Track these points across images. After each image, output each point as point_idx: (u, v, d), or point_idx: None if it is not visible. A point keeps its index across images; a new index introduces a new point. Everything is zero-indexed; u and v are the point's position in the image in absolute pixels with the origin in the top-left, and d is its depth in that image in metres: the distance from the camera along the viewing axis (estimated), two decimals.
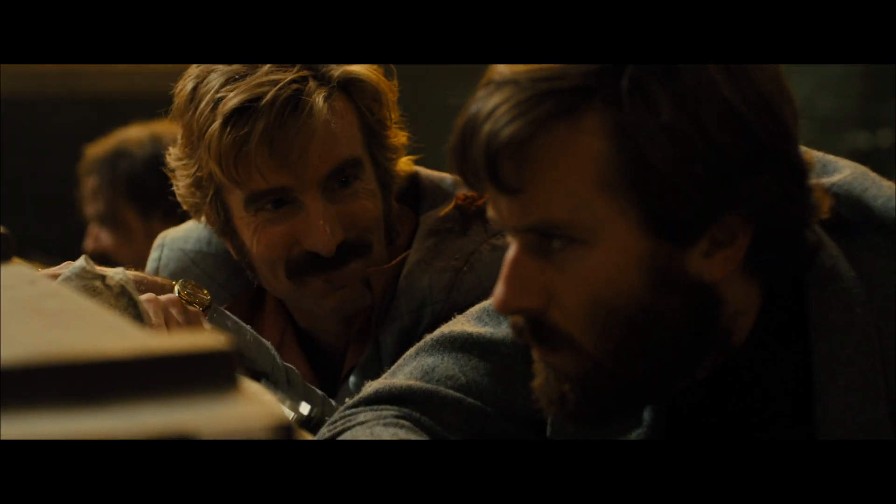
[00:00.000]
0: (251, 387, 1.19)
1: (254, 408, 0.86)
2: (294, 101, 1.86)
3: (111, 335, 0.99)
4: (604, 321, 1.41)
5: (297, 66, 1.89)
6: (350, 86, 1.93)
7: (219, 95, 1.88)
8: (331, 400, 1.92)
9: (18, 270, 1.23)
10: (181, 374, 0.88)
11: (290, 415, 1.74)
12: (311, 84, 1.88)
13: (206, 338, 0.90)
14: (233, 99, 1.86)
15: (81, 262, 1.66)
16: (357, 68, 1.93)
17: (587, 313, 1.42)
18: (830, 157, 1.57)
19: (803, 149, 1.48)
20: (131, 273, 1.79)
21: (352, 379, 2.00)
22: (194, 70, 1.94)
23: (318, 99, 1.87)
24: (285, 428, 0.85)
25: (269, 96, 1.85)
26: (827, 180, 1.51)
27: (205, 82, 1.91)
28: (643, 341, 1.42)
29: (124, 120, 4.12)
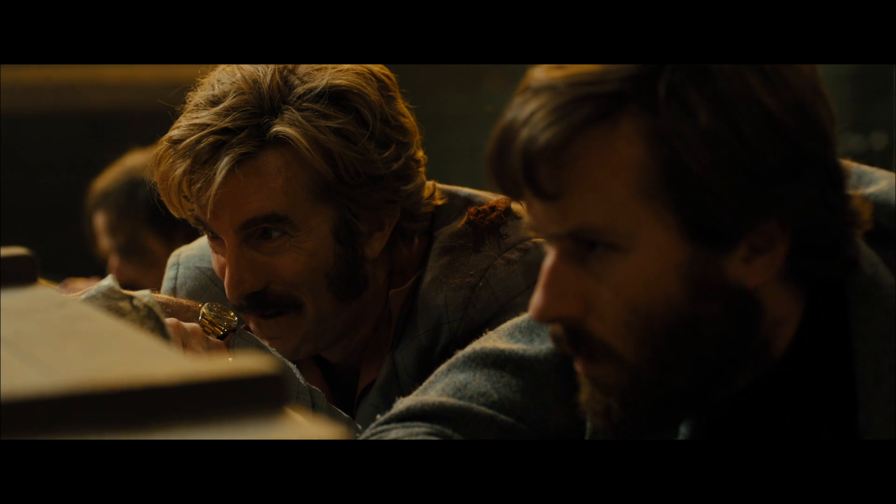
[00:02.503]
0: (296, 411, 1.17)
1: (302, 431, 0.85)
2: (211, 151, 1.88)
3: (151, 360, 0.98)
4: (642, 329, 1.40)
5: (244, 112, 1.88)
6: (286, 145, 1.89)
7: (179, 119, 1.92)
8: (356, 423, 1.91)
9: (46, 293, 1.21)
10: (229, 398, 0.87)
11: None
12: (240, 136, 1.88)
13: (255, 362, 0.89)
14: (176, 129, 1.91)
15: (109, 281, 1.64)
16: (294, 129, 1.87)
17: (625, 321, 1.40)
18: (866, 168, 1.56)
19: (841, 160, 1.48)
20: (157, 296, 1.77)
21: (370, 399, 1.98)
22: (205, 78, 1.95)
23: (229, 155, 1.87)
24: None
25: (190, 140, 1.88)
26: (864, 191, 1.51)
27: (192, 97, 1.94)
28: (682, 349, 1.41)
29: (117, 135, 4.11)
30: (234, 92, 1.88)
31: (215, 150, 1.88)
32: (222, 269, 1.95)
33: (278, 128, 1.88)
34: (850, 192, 1.45)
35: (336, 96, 1.90)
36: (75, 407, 0.86)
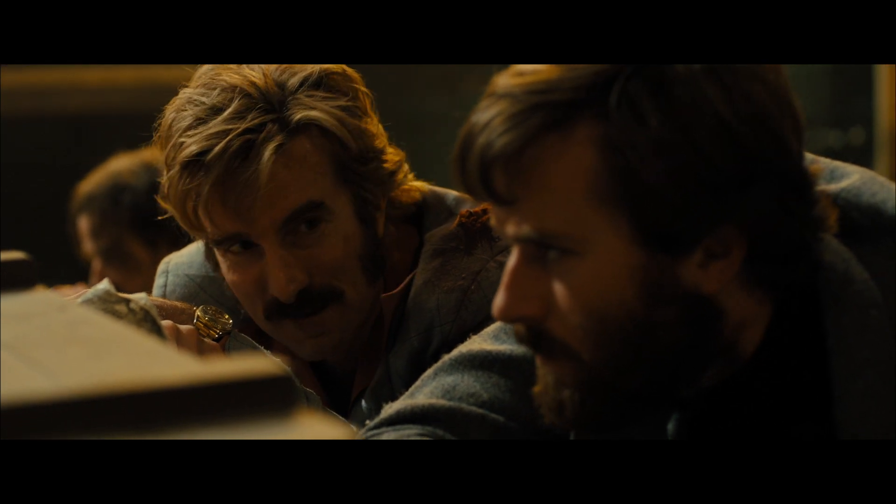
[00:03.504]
0: (306, 412, 1.18)
1: (314, 432, 0.86)
2: (244, 152, 1.86)
3: (157, 363, 0.98)
4: (598, 332, 1.43)
5: (258, 110, 1.88)
6: (311, 128, 1.90)
7: (181, 140, 1.89)
8: (351, 425, 1.91)
9: (45, 297, 1.22)
10: (239, 400, 0.87)
11: None
12: (267, 131, 1.87)
13: (264, 363, 0.89)
14: (188, 148, 1.88)
15: (105, 284, 1.64)
16: (319, 112, 1.90)
17: (582, 324, 1.43)
18: (838, 164, 1.57)
19: (811, 157, 1.49)
20: (152, 299, 1.77)
21: (363, 402, 1.98)
22: (176, 101, 1.94)
23: (268, 149, 1.86)
24: None
25: (218, 148, 1.86)
26: (836, 186, 1.52)
27: (177, 120, 1.91)
28: (638, 352, 1.43)
29: (99, 138, 4.09)
30: (237, 96, 1.88)
31: (246, 151, 1.86)
32: (253, 280, 1.93)
33: (301, 113, 1.89)
34: (820, 190, 1.46)
35: (329, 81, 1.92)
36: (85, 411, 0.86)
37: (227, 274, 1.97)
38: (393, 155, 1.99)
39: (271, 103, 1.89)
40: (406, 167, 2.03)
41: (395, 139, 2.02)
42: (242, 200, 1.87)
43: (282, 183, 1.88)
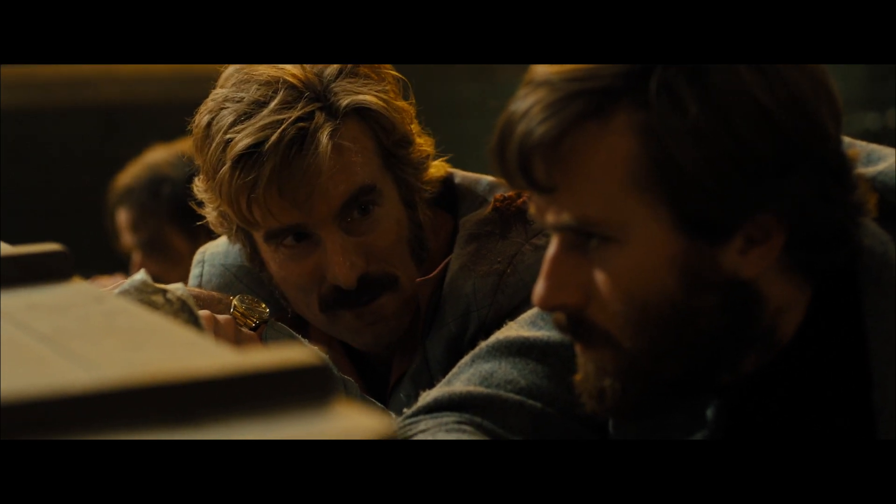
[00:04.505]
0: (342, 401, 1.18)
1: (353, 422, 0.85)
2: (299, 141, 1.86)
3: (194, 353, 0.98)
4: (639, 319, 1.43)
5: (305, 99, 1.87)
6: (359, 113, 1.90)
7: (228, 136, 1.88)
8: (389, 412, 1.91)
9: (82, 288, 1.22)
10: (277, 390, 0.87)
11: None
12: (317, 119, 1.87)
13: (300, 352, 0.89)
14: (241, 142, 1.86)
15: (141, 275, 1.65)
16: (366, 96, 1.90)
17: (623, 311, 1.43)
18: (875, 146, 1.57)
19: (849, 141, 1.48)
20: (190, 289, 1.77)
21: (402, 389, 1.98)
22: (209, 103, 1.93)
23: (324, 136, 1.86)
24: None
25: (273, 138, 1.84)
26: (873, 169, 1.51)
27: (217, 119, 1.90)
28: (678, 339, 1.43)
29: (133, 129, 4.10)
30: (281, 88, 1.87)
31: (301, 140, 1.86)
32: (308, 273, 1.93)
33: (348, 99, 1.89)
34: (858, 173, 1.46)
35: (363, 70, 1.92)
36: (122, 402, 0.86)
37: (280, 270, 1.95)
38: (425, 140, 1.99)
39: (316, 92, 1.88)
40: (437, 166, 2.03)
41: (430, 126, 2.02)
42: (300, 190, 1.87)
43: (338, 169, 1.88)
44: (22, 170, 5.38)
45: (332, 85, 1.89)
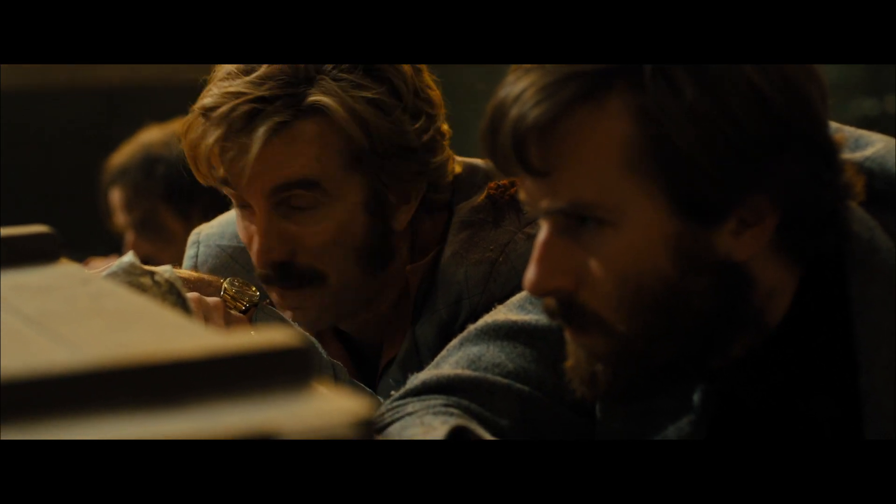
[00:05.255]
0: (322, 384, 1.18)
1: (333, 404, 0.86)
2: (248, 119, 1.87)
3: (178, 335, 0.98)
4: (632, 301, 1.43)
5: (279, 82, 1.88)
6: (320, 113, 1.89)
7: (210, 87, 1.92)
8: (378, 397, 1.91)
9: (69, 270, 1.22)
10: (257, 372, 0.88)
11: None
12: (275, 105, 1.88)
13: (281, 335, 0.89)
14: (205, 98, 1.91)
15: (129, 257, 1.65)
16: (331, 99, 1.88)
17: (616, 294, 1.43)
18: (862, 132, 1.57)
19: (836, 126, 1.49)
20: (178, 271, 1.78)
21: (391, 374, 1.99)
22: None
23: (266, 124, 1.87)
24: (366, 423, 0.84)
25: (224, 108, 1.87)
26: (860, 154, 1.52)
27: (221, 69, 1.94)
28: (671, 321, 1.44)
29: (132, 110, 4.09)
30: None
31: (251, 119, 1.87)
32: (250, 238, 1.95)
33: (315, 97, 1.88)
34: (845, 158, 1.47)
35: (370, 67, 1.90)
36: (102, 383, 0.86)
37: (240, 232, 1.99)
38: (437, 153, 1.96)
39: (297, 77, 1.89)
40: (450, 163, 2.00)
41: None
42: (235, 163, 1.89)
43: (271, 158, 1.88)
44: (21, 152, 5.37)
45: (320, 76, 1.89)
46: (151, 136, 3.77)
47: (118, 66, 5.13)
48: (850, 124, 1.59)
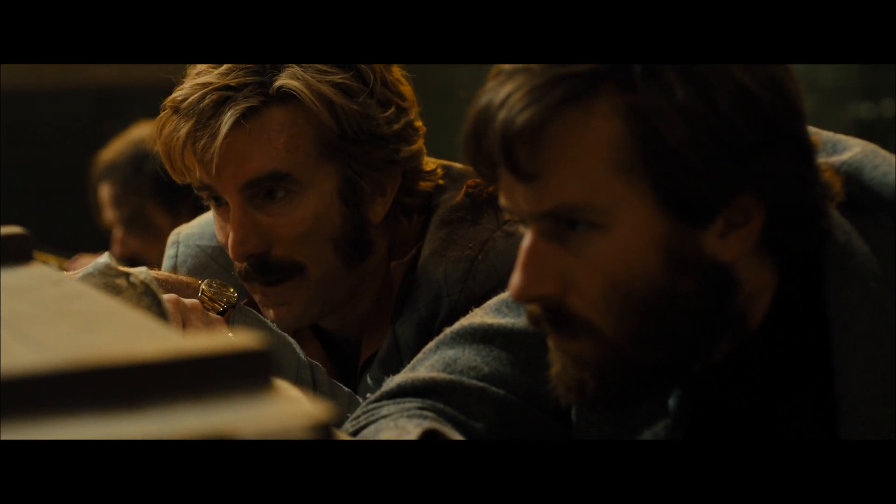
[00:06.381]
0: (285, 385, 1.18)
1: (292, 407, 0.86)
2: (217, 107, 1.89)
3: (142, 337, 0.99)
4: (621, 305, 1.42)
5: (249, 70, 1.90)
6: (289, 99, 1.90)
7: (179, 87, 1.93)
8: (357, 397, 1.92)
9: (41, 271, 1.22)
10: (217, 374, 0.88)
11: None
12: (244, 92, 1.89)
13: (241, 338, 0.90)
14: (177, 92, 1.92)
15: (105, 258, 1.65)
16: (298, 82, 1.89)
17: (605, 297, 1.42)
18: (839, 136, 1.58)
19: (813, 130, 1.50)
20: (156, 273, 1.78)
21: (371, 373, 1.99)
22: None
23: (234, 110, 1.88)
24: (324, 427, 0.85)
25: (193, 98, 1.89)
26: (837, 159, 1.52)
27: (193, 69, 1.96)
28: (660, 324, 1.43)
29: (123, 109, 4.10)
30: None
31: (219, 107, 1.89)
32: (227, 237, 1.95)
33: (282, 81, 1.89)
34: (823, 161, 1.48)
35: None
36: (64, 384, 0.87)
37: (217, 232, 2.00)
38: (409, 143, 1.97)
39: (265, 66, 1.90)
40: (433, 163, 2.01)
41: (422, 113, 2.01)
42: (206, 152, 1.89)
43: (241, 148, 1.90)
44: (13, 150, 5.38)
45: (285, 65, 1.90)
46: (141, 132, 3.78)
47: (110, 65, 5.13)
48: (847, 128, 1.60)
